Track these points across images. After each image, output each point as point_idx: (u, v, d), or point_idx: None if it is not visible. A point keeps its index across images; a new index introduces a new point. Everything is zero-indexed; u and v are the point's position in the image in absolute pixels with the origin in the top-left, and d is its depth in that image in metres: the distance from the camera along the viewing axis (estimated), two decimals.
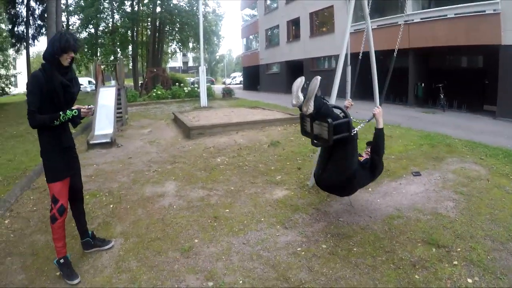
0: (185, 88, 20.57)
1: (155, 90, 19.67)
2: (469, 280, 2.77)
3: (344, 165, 3.26)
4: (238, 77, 51.74)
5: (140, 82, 27.04)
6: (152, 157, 6.75)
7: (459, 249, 3.20)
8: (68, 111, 2.74)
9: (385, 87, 3.85)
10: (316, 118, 3.16)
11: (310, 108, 3.02)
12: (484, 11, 13.20)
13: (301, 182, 5.07)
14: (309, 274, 2.85)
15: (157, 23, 27.10)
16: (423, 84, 16.25)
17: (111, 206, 4.38)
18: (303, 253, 3.18)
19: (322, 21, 24.19)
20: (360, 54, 4.72)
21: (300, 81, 3.17)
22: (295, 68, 26.46)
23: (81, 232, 3.27)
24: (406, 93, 16.54)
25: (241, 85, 39.52)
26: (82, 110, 2.80)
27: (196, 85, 20.79)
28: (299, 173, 5.50)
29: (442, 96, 14.77)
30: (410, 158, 6.14)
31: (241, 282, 2.77)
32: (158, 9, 26.55)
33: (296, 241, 3.41)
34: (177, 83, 22.31)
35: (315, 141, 3.35)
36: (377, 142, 3.49)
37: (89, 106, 2.87)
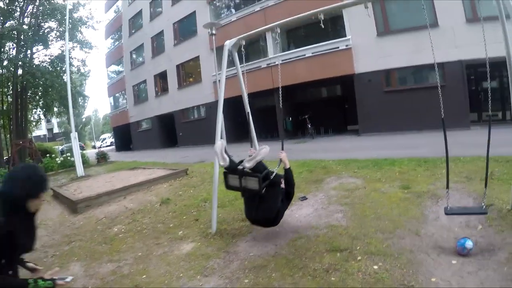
0: (57, 159, 18.99)
1: None
2: (375, 267, 3.42)
3: (273, 203, 4.14)
4: (108, 138, 49.60)
5: (5, 158, 23.85)
6: (44, 241, 6.14)
7: (358, 247, 3.86)
8: (40, 281, 2.04)
9: (282, 130, 4.58)
10: (245, 174, 3.99)
11: (251, 166, 3.92)
12: (338, 47, 15.97)
13: (203, 232, 5.28)
14: None
15: (19, 88, 23.71)
16: (290, 118, 18.09)
17: None
18: None
19: (189, 72, 25.07)
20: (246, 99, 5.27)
21: (221, 144, 4.16)
22: (166, 122, 26.72)
23: None
24: (276, 129, 18.05)
25: (113, 147, 37.94)
26: (58, 282, 2.12)
27: (68, 154, 19.25)
28: (198, 224, 5.72)
29: (309, 126, 16.77)
30: None
31: None
32: (20, 71, 23.13)
33: (219, 284, 3.60)
34: (47, 154, 20.31)
35: (244, 192, 4.16)
36: (288, 179, 4.48)
37: (68, 279, 2.20)
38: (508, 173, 5.63)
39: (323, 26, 4.20)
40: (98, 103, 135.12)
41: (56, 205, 9.14)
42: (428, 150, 8.13)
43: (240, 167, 4.05)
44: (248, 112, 5.76)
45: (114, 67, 36.30)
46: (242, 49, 5.30)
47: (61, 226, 7.07)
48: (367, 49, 15.32)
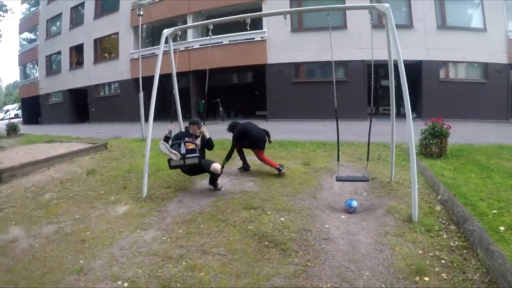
0: None
1: None
2: (282, 219, 4.63)
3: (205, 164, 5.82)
4: (12, 110, 45.60)
5: None
6: None
7: (268, 206, 5.06)
8: None
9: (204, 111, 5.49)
10: (187, 157, 5.61)
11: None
12: (254, 38, 17.05)
13: (134, 197, 5.92)
14: (182, 249, 3.98)
15: None
16: (203, 100, 18.87)
17: None
18: (169, 239, 4.25)
19: (107, 47, 24.31)
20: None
21: (163, 146, 5.45)
22: (79, 96, 25.74)
23: None
24: (189, 110, 18.61)
25: (18, 119, 35.08)
26: None
27: None
28: (127, 191, 6.29)
29: (221, 109, 17.80)
30: None
31: (140, 272, 3.55)
32: None
33: (158, 234, 4.43)
34: None
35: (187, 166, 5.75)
36: (209, 143, 6.13)
37: None
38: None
39: (248, 29, 5.11)
40: (1, 71, 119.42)
41: None
42: (327, 136, 9.53)
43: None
44: (175, 90, 6.98)
45: (27, 35, 33.21)
46: (178, 38, 6.05)
47: None
48: (281, 42, 16.77)
